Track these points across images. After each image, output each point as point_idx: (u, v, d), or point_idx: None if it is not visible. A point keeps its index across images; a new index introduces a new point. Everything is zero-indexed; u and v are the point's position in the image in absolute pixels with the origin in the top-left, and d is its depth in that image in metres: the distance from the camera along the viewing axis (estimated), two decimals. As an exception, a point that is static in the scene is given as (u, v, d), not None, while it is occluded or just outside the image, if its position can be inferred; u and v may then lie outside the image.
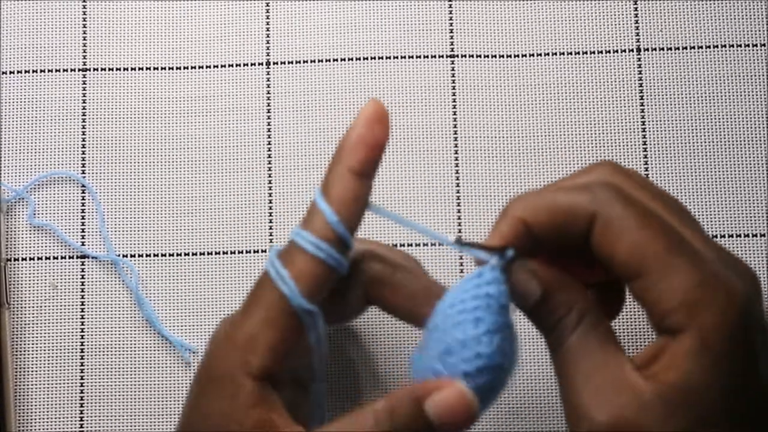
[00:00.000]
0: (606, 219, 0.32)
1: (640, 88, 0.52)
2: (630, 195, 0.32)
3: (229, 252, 0.50)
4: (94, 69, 0.52)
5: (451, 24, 0.53)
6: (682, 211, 0.33)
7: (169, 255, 0.50)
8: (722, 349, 0.29)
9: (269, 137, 0.52)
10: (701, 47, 0.52)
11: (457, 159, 0.51)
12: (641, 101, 0.52)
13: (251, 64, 0.52)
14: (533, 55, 0.52)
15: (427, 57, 0.52)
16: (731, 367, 0.30)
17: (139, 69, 0.52)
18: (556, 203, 0.33)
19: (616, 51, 0.52)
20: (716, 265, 0.31)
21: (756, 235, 0.50)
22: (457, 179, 0.51)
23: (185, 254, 0.50)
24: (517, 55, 0.52)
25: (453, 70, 0.52)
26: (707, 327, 0.29)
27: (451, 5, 0.53)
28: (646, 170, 0.51)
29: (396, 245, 0.50)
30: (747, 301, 0.30)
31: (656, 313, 0.31)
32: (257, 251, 0.50)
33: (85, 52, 0.52)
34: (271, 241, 0.50)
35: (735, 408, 0.30)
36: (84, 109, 0.52)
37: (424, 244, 0.50)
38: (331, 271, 0.33)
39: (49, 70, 0.52)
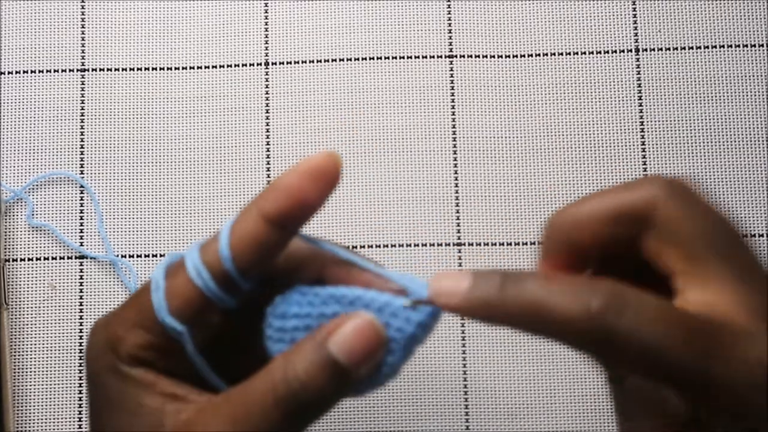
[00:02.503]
0: (664, 209, 0.28)
1: (639, 88, 0.52)
2: (689, 193, 0.29)
3: (227, 252, 0.50)
4: (93, 69, 0.52)
5: (449, 24, 0.53)
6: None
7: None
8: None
9: (268, 138, 0.52)
10: (700, 47, 0.52)
11: (455, 159, 0.51)
12: (640, 101, 0.52)
13: (250, 65, 0.52)
14: (531, 55, 0.52)
15: (426, 57, 0.52)
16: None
17: (137, 69, 0.52)
18: (619, 200, 0.29)
19: (615, 51, 0.52)
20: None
21: (756, 235, 0.50)
22: (456, 179, 0.51)
23: (183, 254, 0.50)
24: (515, 56, 0.52)
25: (451, 70, 0.52)
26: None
27: (449, 6, 0.53)
28: (645, 171, 0.51)
29: (394, 245, 0.50)
30: None
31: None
32: (255, 251, 0.50)
33: (83, 52, 0.52)
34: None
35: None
36: (82, 109, 0.52)
37: (423, 245, 0.50)
38: (208, 302, 0.31)
39: (47, 71, 0.52)
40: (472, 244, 0.50)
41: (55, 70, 0.52)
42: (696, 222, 0.28)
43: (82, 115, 0.52)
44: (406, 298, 0.30)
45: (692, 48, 0.52)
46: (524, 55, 0.52)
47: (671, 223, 0.28)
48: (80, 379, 0.49)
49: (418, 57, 0.52)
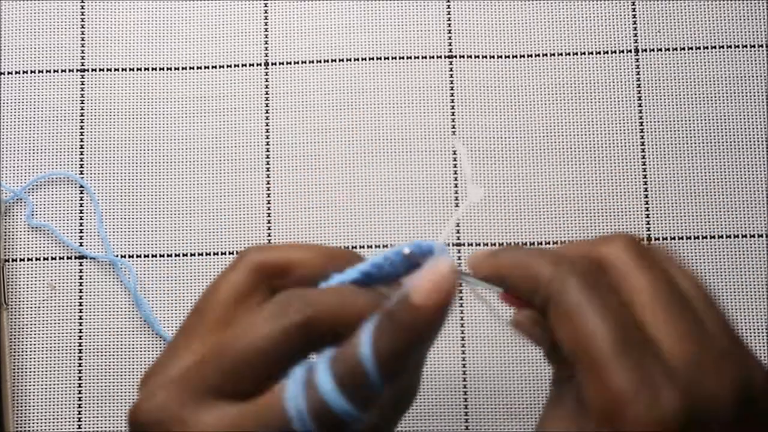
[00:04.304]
0: (558, 300, 0.30)
1: (639, 88, 0.52)
2: (607, 280, 0.30)
3: (226, 252, 0.50)
4: (92, 69, 0.52)
5: (449, 25, 0.53)
6: (702, 301, 0.31)
7: (167, 255, 0.50)
8: None
9: (268, 138, 0.52)
10: (700, 48, 0.52)
11: (455, 160, 0.51)
12: (640, 101, 0.52)
13: (250, 65, 0.52)
14: (531, 55, 0.52)
15: (426, 58, 0.52)
16: None
17: (137, 69, 0.52)
18: (521, 265, 0.32)
19: (614, 52, 0.52)
20: (678, 374, 0.28)
21: (756, 236, 0.50)
22: (456, 180, 0.51)
23: (183, 255, 0.50)
24: (515, 56, 0.52)
25: (451, 70, 0.52)
26: None
27: (449, 6, 0.53)
28: (645, 171, 0.51)
29: (394, 245, 0.50)
30: (682, 421, 0.27)
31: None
32: (255, 251, 0.50)
33: (83, 52, 0.52)
34: (269, 242, 0.50)
35: None
36: (82, 109, 0.52)
37: (422, 245, 0.50)
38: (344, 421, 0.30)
39: (47, 71, 0.52)
40: (472, 244, 0.50)
41: (55, 70, 0.52)
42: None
43: (82, 115, 0.52)
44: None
45: (692, 48, 0.52)
46: (524, 55, 0.52)
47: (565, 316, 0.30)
48: (80, 379, 0.49)
49: (418, 57, 0.52)
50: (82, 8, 0.53)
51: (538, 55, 0.52)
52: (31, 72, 0.52)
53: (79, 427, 0.49)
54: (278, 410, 0.29)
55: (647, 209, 0.51)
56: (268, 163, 0.51)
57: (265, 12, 0.53)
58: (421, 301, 0.29)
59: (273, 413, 0.29)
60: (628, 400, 0.27)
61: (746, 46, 0.52)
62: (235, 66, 0.52)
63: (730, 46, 0.52)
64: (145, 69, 0.52)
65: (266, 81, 0.52)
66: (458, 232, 0.51)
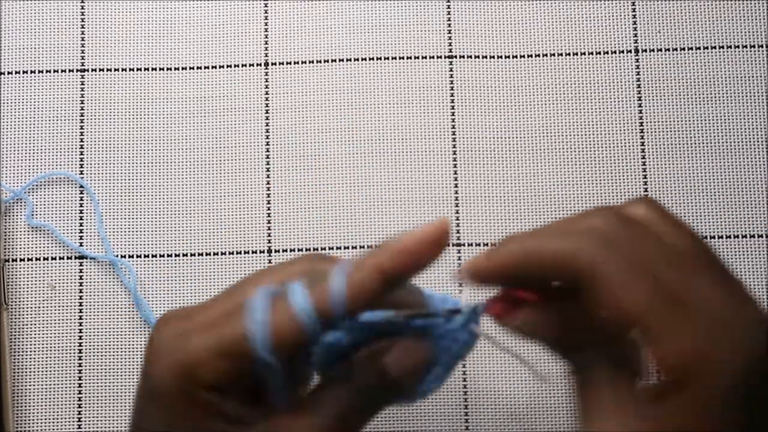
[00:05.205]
0: (594, 271, 0.30)
1: (639, 88, 0.52)
2: (625, 245, 0.31)
3: (226, 253, 0.50)
4: (92, 70, 0.52)
5: (449, 25, 0.53)
6: (699, 253, 0.31)
7: (167, 255, 0.50)
8: (718, 405, 0.28)
9: (268, 138, 0.52)
10: (700, 48, 0.52)
11: (455, 160, 0.51)
12: (639, 102, 0.52)
13: (250, 65, 0.52)
14: (531, 55, 0.52)
15: (426, 58, 0.52)
16: (726, 422, 0.29)
17: (137, 69, 0.52)
18: (544, 249, 0.31)
19: (614, 52, 0.52)
20: (720, 319, 0.29)
21: (756, 236, 0.50)
22: (456, 180, 0.51)
23: (183, 255, 0.50)
24: (515, 56, 0.52)
25: (451, 70, 0.52)
26: (705, 385, 0.28)
27: (449, 6, 0.53)
28: (645, 171, 0.51)
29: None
30: (750, 357, 0.29)
31: (653, 366, 0.30)
32: (255, 252, 0.50)
33: (83, 52, 0.52)
34: (269, 242, 0.50)
35: None
36: (82, 109, 0.52)
37: (422, 245, 0.50)
38: (304, 341, 0.32)
39: (47, 71, 0.52)
40: (471, 244, 0.50)
41: (55, 70, 0.52)
42: (637, 285, 0.30)
43: (82, 115, 0.52)
44: (450, 314, 0.35)
45: (692, 48, 0.52)
46: (524, 55, 0.52)
47: (609, 289, 0.30)
48: (80, 379, 0.49)
49: (418, 57, 0.52)
50: (82, 8, 0.53)
51: (538, 55, 0.52)
52: (31, 72, 0.52)
53: (79, 427, 0.49)
54: (239, 326, 0.31)
55: (647, 209, 0.51)
56: (268, 163, 0.51)
57: (265, 12, 0.53)
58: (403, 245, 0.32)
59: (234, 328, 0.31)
60: (712, 344, 0.28)
61: (746, 46, 0.52)
62: (235, 66, 0.52)
63: (730, 46, 0.52)
64: (145, 69, 0.52)
65: (266, 81, 0.52)
66: (458, 232, 0.51)
